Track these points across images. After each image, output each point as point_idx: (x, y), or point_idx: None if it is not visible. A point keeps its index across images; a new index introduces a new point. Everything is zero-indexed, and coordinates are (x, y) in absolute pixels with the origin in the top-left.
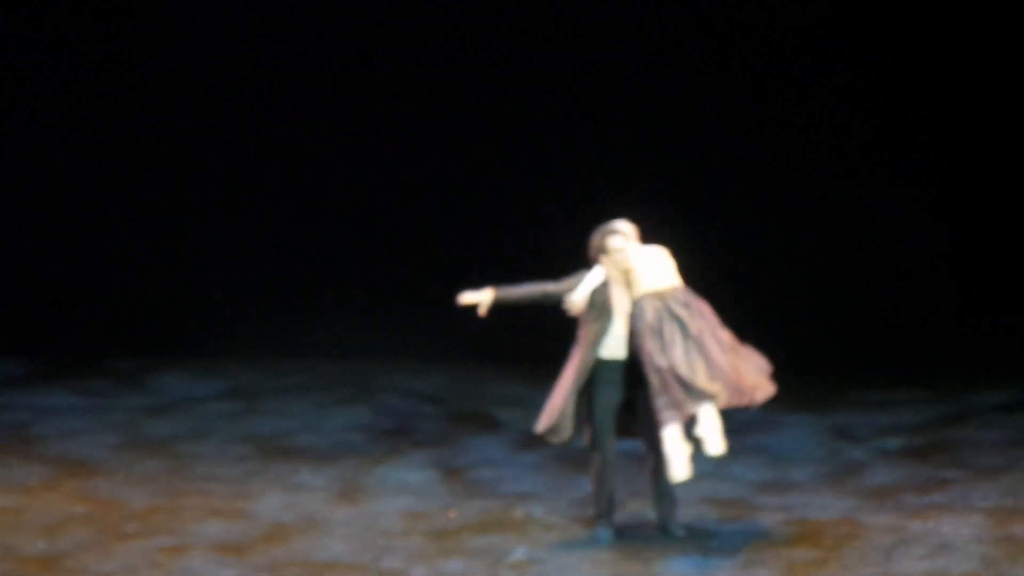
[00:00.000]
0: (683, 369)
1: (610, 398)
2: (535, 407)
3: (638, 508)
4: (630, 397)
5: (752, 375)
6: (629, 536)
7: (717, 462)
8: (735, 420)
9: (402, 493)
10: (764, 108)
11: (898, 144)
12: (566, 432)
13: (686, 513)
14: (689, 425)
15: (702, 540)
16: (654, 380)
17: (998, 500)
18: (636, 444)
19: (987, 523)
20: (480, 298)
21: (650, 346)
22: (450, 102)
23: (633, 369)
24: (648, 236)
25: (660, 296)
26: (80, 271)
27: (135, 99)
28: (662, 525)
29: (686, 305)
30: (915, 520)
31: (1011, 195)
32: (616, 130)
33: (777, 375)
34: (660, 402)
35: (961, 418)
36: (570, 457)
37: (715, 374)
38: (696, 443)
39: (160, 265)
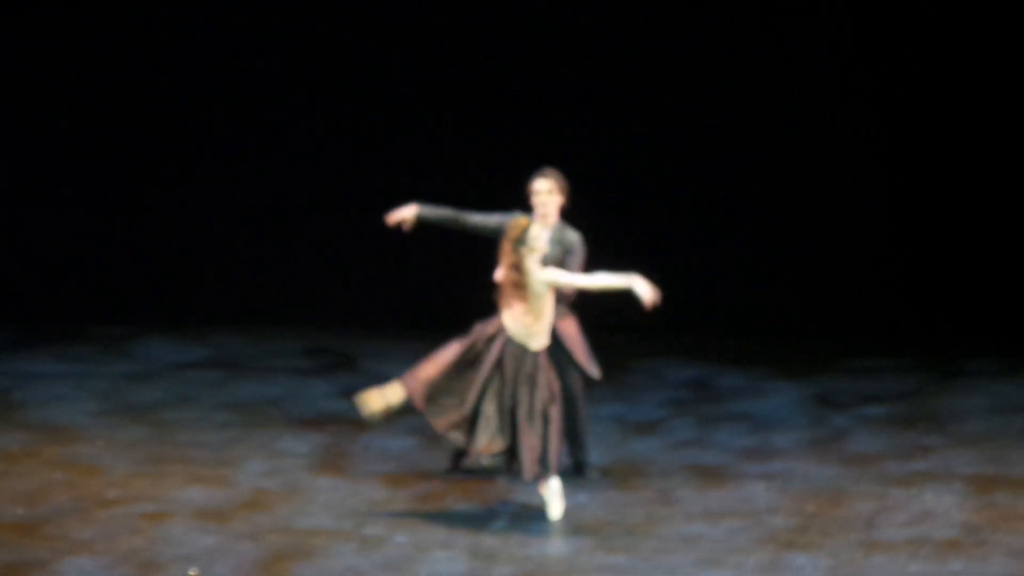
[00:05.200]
0: None
1: None
2: None
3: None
4: None
5: None
6: (618, 501)
7: (700, 429)
8: (719, 387)
9: (385, 460)
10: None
11: (883, 107)
12: None
13: (669, 480)
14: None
15: (685, 507)
16: None
17: (980, 467)
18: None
19: (969, 490)
20: (404, 215)
21: None
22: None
23: None
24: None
25: None
26: (63, 236)
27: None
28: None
29: None
30: (897, 487)
31: (1000, 159)
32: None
33: (761, 342)
34: None
35: (944, 385)
36: None
37: None
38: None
39: (144, 231)
